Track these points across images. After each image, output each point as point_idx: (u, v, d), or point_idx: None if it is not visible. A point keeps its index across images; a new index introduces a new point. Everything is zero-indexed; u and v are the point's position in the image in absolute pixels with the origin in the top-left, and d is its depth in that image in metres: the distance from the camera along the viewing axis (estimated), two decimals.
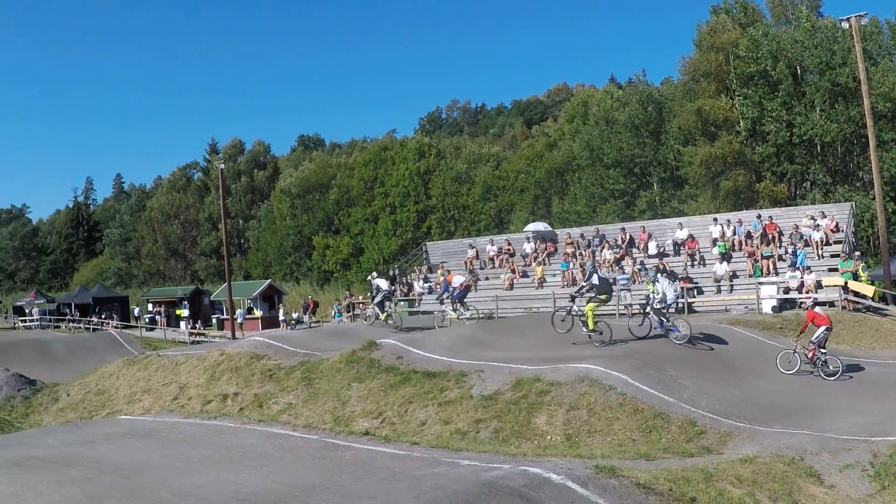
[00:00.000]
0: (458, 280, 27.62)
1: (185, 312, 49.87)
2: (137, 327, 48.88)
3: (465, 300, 27.04)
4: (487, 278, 35.76)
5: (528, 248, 36.64)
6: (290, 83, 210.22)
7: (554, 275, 33.98)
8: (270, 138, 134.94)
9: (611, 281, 22.11)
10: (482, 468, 9.08)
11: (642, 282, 27.68)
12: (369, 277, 28.97)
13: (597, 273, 20.08)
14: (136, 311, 55.54)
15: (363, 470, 9.50)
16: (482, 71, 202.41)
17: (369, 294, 34.73)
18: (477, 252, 38.34)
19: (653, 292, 20.04)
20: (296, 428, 13.00)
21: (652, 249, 32.20)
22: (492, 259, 37.43)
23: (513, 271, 35.10)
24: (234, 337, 38.53)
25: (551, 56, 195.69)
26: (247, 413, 15.57)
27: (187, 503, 8.06)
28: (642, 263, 30.59)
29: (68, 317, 55.41)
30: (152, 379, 19.95)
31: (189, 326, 47.29)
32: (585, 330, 19.09)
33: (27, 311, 62.48)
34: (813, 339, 17.52)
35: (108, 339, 41.45)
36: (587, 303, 19.46)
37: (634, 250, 33.15)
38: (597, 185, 49.98)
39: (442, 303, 29.30)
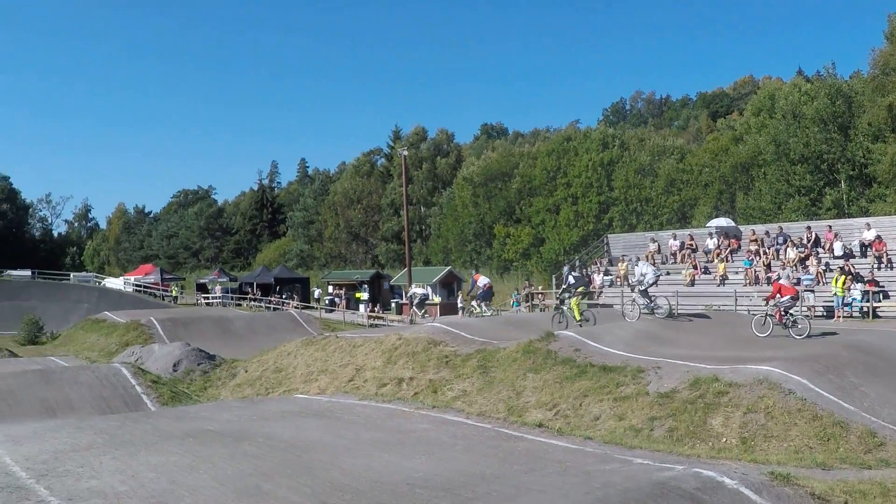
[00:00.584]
0: (483, 281, 30.01)
1: (364, 295, 51.07)
2: (317, 308, 50.33)
3: (489, 300, 29.75)
4: (668, 273, 35.06)
5: (711, 243, 35.82)
6: (474, 72, 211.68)
7: (736, 272, 33.11)
8: (454, 126, 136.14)
9: (646, 271, 24.58)
10: (655, 468, 8.86)
11: (827, 282, 29.68)
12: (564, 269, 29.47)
13: (571, 274, 24.34)
14: (317, 292, 57.28)
15: (534, 462, 9.36)
16: (667, 62, 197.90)
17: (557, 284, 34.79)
18: (659, 246, 37.67)
19: (641, 275, 24.07)
20: (469, 416, 12.93)
21: (838, 250, 30.88)
22: (674, 254, 36.74)
23: (694, 267, 34.34)
24: (412, 322, 39.06)
25: (738, 48, 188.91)
26: (421, 398, 15.62)
27: (357, 484, 8.10)
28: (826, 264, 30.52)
29: (250, 295, 57.74)
30: (329, 360, 20.35)
31: (368, 309, 48.30)
32: (576, 322, 22.35)
33: (210, 288, 65.58)
34: (778, 303, 20.66)
35: (288, 319, 42.80)
36: (570, 299, 23.27)
37: (819, 250, 31.85)
38: (782, 182, 47.82)
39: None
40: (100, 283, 73.38)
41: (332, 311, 49.91)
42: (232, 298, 58.75)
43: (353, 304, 51.55)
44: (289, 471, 8.68)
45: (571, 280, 23.87)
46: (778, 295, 20.95)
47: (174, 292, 64.54)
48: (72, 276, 76.17)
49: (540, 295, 43.21)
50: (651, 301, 23.63)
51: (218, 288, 64.22)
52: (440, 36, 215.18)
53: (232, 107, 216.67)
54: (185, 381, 22.50)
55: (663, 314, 22.94)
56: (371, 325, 41.76)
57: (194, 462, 9.21)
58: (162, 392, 19.84)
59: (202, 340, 30.82)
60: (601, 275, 36.76)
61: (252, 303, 55.29)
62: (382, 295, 53.16)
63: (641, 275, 24.30)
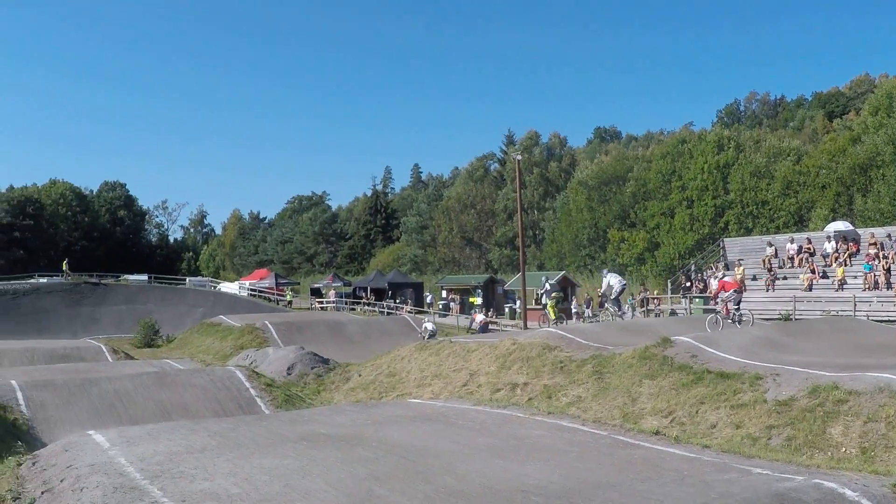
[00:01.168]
0: (615, 280, 29.50)
1: (478, 300, 51.06)
2: (431, 313, 50.55)
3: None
4: (786, 278, 34.17)
5: (829, 247, 34.86)
6: (586, 73, 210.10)
7: (855, 276, 32.15)
8: (566, 130, 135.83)
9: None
10: (774, 478, 8.51)
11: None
12: (604, 272, 30.86)
13: (549, 282, 30.52)
14: (429, 297, 57.51)
15: (651, 470, 9.10)
16: (781, 62, 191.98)
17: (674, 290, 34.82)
18: (776, 250, 36.78)
19: (608, 286, 28.66)
20: (585, 422, 12.73)
21: None
22: (791, 258, 35.85)
23: (812, 271, 33.41)
24: (525, 327, 38.88)
25: (853, 45, 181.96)
26: (535, 403, 15.48)
27: (471, 490, 8.00)
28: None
29: (364, 300, 58.31)
30: (443, 364, 20.39)
31: (484, 314, 48.32)
32: (549, 323, 27.38)
33: (324, 293, 66.55)
34: (723, 298, 23.16)
35: (402, 324, 43.11)
36: (547, 303, 28.98)
37: None
38: None
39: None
40: (215, 287, 75.17)
41: (445, 315, 50.07)
42: (346, 303, 59.47)
43: (466, 308, 51.61)
44: (402, 476, 8.63)
45: (548, 287, 30.94)
46: (722, 291, 23.18)
47: (288, 297, 65.66)
48: (187, 280, 78.28)
49: (655, 300, 42.57)
50: (619, 309, 29.53)
51: (332, 292, 65.11)
52: (551, 39, 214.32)
53: (345, 113, 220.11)
54: (299, 384, 22.84)
55: (631, 317, 30.52)
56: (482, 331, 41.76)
57: (307, 465, 9.23)
58: (276, 395, 20.17)
59: (316, 344, 31.26)
60: (716, 280, 36.14)
61: (366, 307, 55.88)
62: (496, 300, 53.08)
63: (609, 286, 28.67)
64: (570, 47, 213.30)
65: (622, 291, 28.68)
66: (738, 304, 23.06)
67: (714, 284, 25.77)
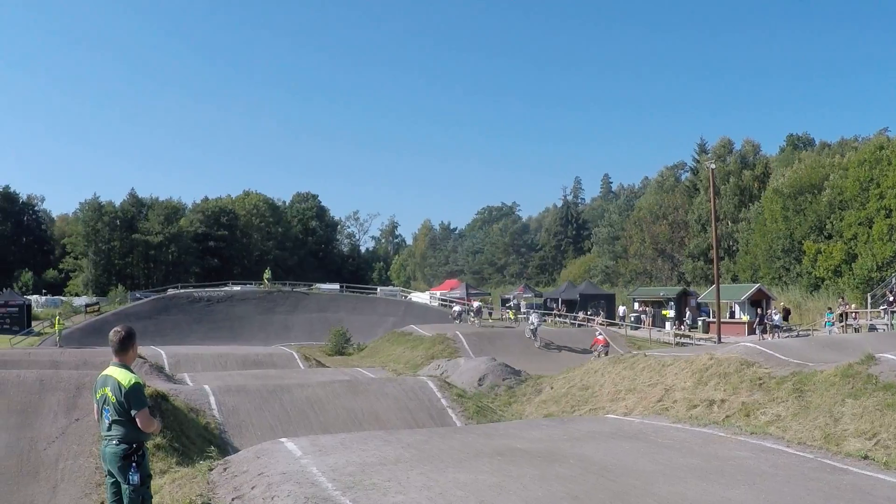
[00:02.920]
0: None
1: (670, 313, 49.88)
2: (623, 325, 49.73)
3: None
4: None
5: None
6: (778, 79, 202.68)
7: None
8: (759, 137, 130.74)
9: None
10: None
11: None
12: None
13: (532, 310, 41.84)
14: (621, 310, 56.50)
15: (861, 498, 8.49)
16: None
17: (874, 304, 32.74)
18: None
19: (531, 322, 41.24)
20: (790, 444, 12.05)
21: None
22: None
23: None
24: (719, 341, 37.66)
25: None
26: (732, 421, 14.81)
27: None
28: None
29: (555, 311, 57.93)
30: (637, 378, 19.86)
31: (674, 327, 47.14)
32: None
33: (514, 304, 66.56)
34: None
35: (593, 336, 42.55)
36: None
37: None
38: None
39: None
40: (406, 297, 76.30)
41: (637, 328, 49.13)
42: (601, 332, 59.22)
43: (658, 321, 50.47)
44: (601, 495, 8.31)
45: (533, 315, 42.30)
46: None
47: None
48: (378, 290, 79.52)
49: (854, 314, 40.37)
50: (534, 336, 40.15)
51: (523, 303, 65.08)
52: (742, 45, 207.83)
53: (535, 123, 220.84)
54: (490, 395, 22.70)
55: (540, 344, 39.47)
56: (677, 344, 40.68)
57: (503, 482, 9.00)
58: (467, 406, 20.05)
59: (507, 355, 31.13)
60: None
61: (557, 319, 55.52)
62: (689, 312, 51.69)
63: (531, 322, 41.36)
64: (761, 53, 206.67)
65: (538, 326, 41.23)
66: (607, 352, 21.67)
67: None
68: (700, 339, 42.10)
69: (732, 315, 46.40)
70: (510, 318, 51.33)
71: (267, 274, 71.65)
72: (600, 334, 37.37)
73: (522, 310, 44.73)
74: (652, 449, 11.02)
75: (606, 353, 35.02)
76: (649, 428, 13.07)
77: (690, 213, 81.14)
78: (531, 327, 41.27)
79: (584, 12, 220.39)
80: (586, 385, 21.22)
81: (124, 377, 7.04)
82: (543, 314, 54.40)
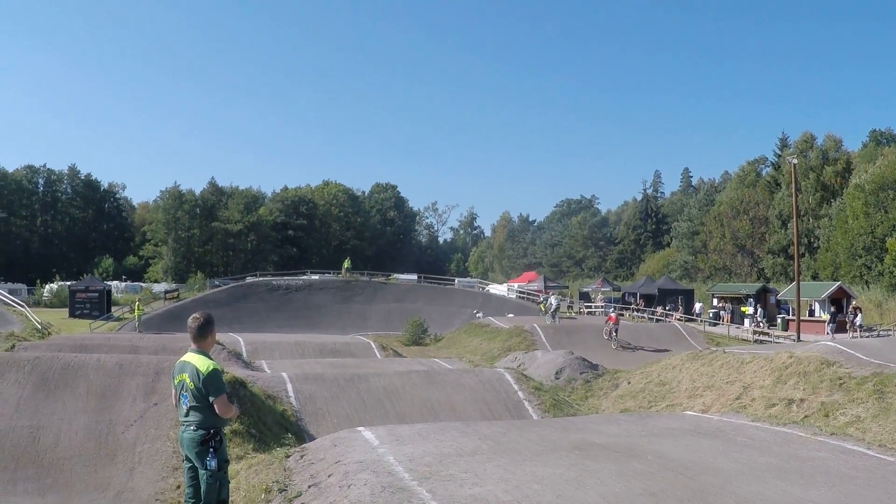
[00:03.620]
0: None
1: (749, 310, 49.07)
2: (701, 321, 49.10)
3: None
4: None
5: None
6: (861, 73, 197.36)
7: None
8: (841, 132, 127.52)
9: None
10: None
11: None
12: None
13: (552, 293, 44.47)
14: (697, 306, 55.62)
15: None
16: None
17: None
18: None
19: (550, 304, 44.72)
20: (870, 446, 11.81)
21: None
22: None
23: None
24: (798, 339, 36.97)
25: None
26: (811, 421, 14.57)
27: None
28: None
29: (633, 306, 57.41)
30: (715, 375, 19.65)
31: (753, 324, 46.40)
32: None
33: (592, 297, 66.07)
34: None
35: (671, 331, 42.12)
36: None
37: None
38: None
39: None
40: (483, 288, 76.09)
41: (715, 324, 48.45)
42: (614, 308, 58.78)
43: (737, 318, 49.68)
44: (679, 494, 8.22)
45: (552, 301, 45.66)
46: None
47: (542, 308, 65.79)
48: (456, 281, 79.75)
49: None
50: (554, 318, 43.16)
51: (601, 297, 64.62)
52: (823, 38, 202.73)
53: (615, 116, 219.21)
54: (567, 389, 22.62)
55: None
56: (756, 341, 40.03)
57: (581, 476, 8.91)
58: (544, 399, 19.96)
59: (584, 349, 30.97)
60: None
61: (636, 313, 55.03)
62: (768, 309, 50.75)
63: (550, 304, 45.11)
64: (845, 47, 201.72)
65: (557, 308, 44.62)
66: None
67: None
68: (779, 336, 41.31)
69: (812, 313, 45.47)
70: (541, 312, 51.17)
71: (346, 264, 71.94)
72: (613, 311, 37.73)
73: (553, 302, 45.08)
74: (731, 447, 10.89)
75: (616, 332, 35.74)
76: (728, 426, 12.92)
77: (771, 208, 79.57)
78: (551, 309, 44.05)
79: (669, 1, 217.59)
80: (664, 381, 21.06)
81: (202, 363, 7.09)
82: (621, 308, 54.08)
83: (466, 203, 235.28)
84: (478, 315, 53.56)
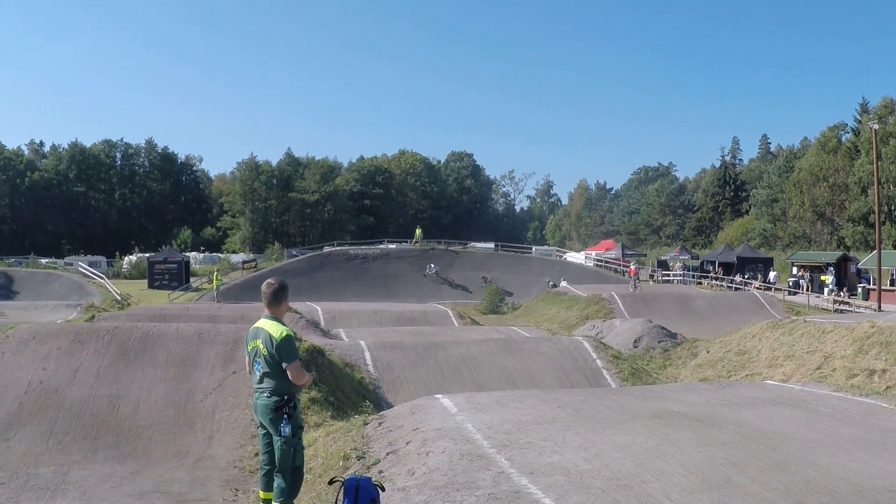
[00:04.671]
0: None
1: (829, 279, 48.03)
2: (780, 290, 48.22)
3: None
4: None
5: None
6: None
7: None
8: None
9: None
10: None
11: None
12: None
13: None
14: (772, 275, 54.36)
15: None
16: None
17: None
18: None
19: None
20: None
21: None
22: None
23: None
24: (879, 308, 36.09)
25: None
26: (894, 392, 14.26)
27: (834, 485, 7.42)
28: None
29: (711, 274, 56.57)
30: (796, 345, 19.28)
31: (833, 294, 45.41)
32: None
33: (670, 265, 65.26)
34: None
35: (750, 300, 41.47)
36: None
37: None
38: None
39: None
40: (561, 257, 75.30)
41: (795, 293, 47.51)
42: (693, 276, 58.02)
43: (816, 286, 48.64)
44: (760, 464, 8.15)
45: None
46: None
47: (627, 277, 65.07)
48: (533, 249, 78.59)
49: None
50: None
51: (679, 265, 63.83)
52: None
53: (693, 82, 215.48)
54: (645, 357, 22.41)
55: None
56: (836, 311, 39.19)
57: (661, 445, 8.89)
58: (622, 368, 19.89)
59: (662, 317, 30.69)
60: None
61: (714, 281, 54.22)
62: (849, 278, 49.58)
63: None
64: None
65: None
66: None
67: None
68: (859, 306, 40.36)
69: (893, 283, 44.29)
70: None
71: (418, 232, 71.60)
72: (633, 264, 38.41)
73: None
74: (812, 417, 10.72)
75: (639, 279, 36.44)
76: (809, 395, 12.72)
77: (851, 175, 77.28)
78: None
79: None
80: (743, 350, 20.76)
81: (276, 329, 6.98)
82: (700, 276, 53.41)
83: (543, 171, 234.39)
84: (552, 284, 53.45)
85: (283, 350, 6.87)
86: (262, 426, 7.07)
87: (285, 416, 6.86)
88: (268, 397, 6.93)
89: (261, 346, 7.00)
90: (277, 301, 7.20)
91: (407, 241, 71.43)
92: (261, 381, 7.01)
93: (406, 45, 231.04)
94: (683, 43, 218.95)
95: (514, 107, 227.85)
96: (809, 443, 9.14)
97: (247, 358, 7.38)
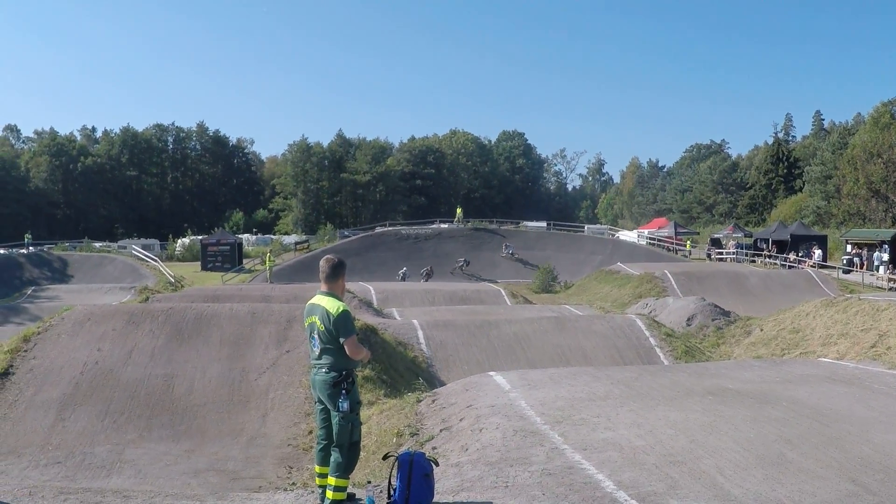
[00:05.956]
0: None
1: (884, 256, 47.09)
2: (834, 268, 47.40)
3: None
4: None
5: None
6: None
7: None
8: None
9: None
10: None
11: None
12: None
13: None
14: (818, 253, 52.90)
15: None
16: None
17: None
18: None
19: None
20: None
21: None
22: None
23: None
24: None
25: None
26: None
27: (889, 462, 7.36)
28: None
29: (765, 252, 55.76)
30: (850, 323, 18.98)
31: (888, 271, 44.53)
32: None
33: (724, 243, 64.43)
34: None
35: (804, 278, 40.83)
36: None
37: None
38: None
39: None
40: (613, 235, 74.33)
41: (849, 271, 46.66)
42: (746, 254, 57.20)
43: (871, 265, 47.72)
44: (814, 440, 8.09)
45: None
46: None
47: (688, 246, 64.43)
48: (586, 227, 77.64)
49: None
50: None
51: (732, 243, 63.01)
52: None
53: (745, 59, 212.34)
54: (698, 336, 22.22)
55: None
56: (891, 289, 38.46)
57: (714, 422, 8.85)
58: (675, 346, 19.71)
59: (715, 296, 30.31)
60: None
61: (767, 259, 53.41)
62: None
63: None
64: None
65: None
66: None
67: None
68: None
69: None
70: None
71: (459, 212, 71.05)
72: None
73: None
74: (867, 395, 10.59)
75: None
76: (864, 373, 12.56)
77: None
78: None
79: None
80: (797, 328, 20.49)
81: (332, 305, 6.90)
82: (753, 254, 52.62)
83: (594, 149, 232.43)
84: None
85: (341, 325, 6.82)
86: (320, 401, 7.04)
87: (343, 391, 6.82)
88: (326, 373, 6.89)
89: (318, 322, 6.95)
90: (335, 277, 7.13)
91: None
92: (319, 357, 6.95)
93: (457, 23, 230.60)
94: (736, 18, 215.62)
95: (565, 85, 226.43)
96: (863, 420, 9.04)
97: (306, 333, 7.31)
